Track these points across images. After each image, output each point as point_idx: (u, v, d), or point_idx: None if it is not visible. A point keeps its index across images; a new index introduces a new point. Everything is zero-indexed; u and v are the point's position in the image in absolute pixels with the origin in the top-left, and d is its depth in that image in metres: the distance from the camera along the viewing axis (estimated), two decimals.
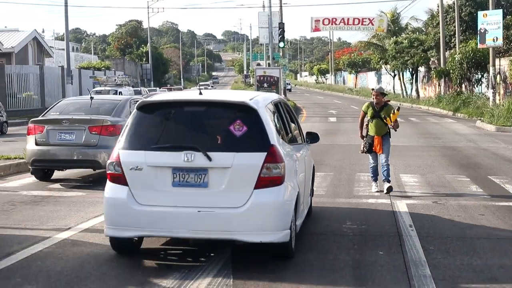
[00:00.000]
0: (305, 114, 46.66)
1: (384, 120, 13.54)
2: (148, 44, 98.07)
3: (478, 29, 40.64)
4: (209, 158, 7.67)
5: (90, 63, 78.25)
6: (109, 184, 8.17)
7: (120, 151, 8.09)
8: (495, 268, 7.81)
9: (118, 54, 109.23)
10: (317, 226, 10.30)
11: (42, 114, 15.92)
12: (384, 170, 13.41)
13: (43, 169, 15.29)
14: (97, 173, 16.08)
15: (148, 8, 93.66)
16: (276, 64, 54.24)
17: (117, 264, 8.04)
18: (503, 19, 40.76)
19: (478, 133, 29.67)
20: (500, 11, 40.69)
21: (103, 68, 74.04)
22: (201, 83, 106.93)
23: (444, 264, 7.94)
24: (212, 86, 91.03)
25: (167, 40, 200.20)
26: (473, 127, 32.93)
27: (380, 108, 13.61)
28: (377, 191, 13.42)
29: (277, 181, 7.74)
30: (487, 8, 41.81)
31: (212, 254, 8.35)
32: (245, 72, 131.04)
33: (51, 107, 16.23)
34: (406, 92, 65.60)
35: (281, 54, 58.39)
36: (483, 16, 40.28)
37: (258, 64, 71.52)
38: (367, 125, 13.78)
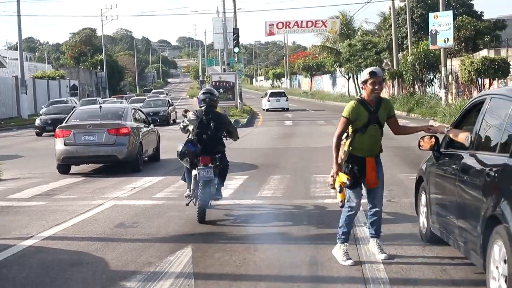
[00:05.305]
0: (261, 119, 47.01)
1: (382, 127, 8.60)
2: (103, 52, 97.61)
3: (430, 30, 41.38)
4: None
5: (44, 72, 77.65)
6: None
7: None
8: (446, 259, 8.17)
9: (72, 62, 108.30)
10: (275, 226, 10.61)
11: (65, 121, 19.56)
12: (375, 220, 8.52)
13: (67, 164, 18.66)
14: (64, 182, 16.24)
15: (101, 16, 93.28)
16: (231, 69, 54.48)
17: (81, 269, 8.21)
18: (453, 20, 41.55)
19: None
20: (450, 12, 41.46)
21: (57, 77, 73.57)
22: (154, 91, 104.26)
23: (397, 258, 8.27)
24: (167, 93, 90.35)
25: (121, 48, 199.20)
26: None
27: (377, 106, 8.49)
28: (352, 264, 8.04)
29: None
30: (438, 10, 42.52)
31: (171, 258, 8.58)
32: (200, 78, 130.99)
33: (70, 116, 19.86)
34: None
35: (236, 59, 58.64)
36: (434, 17, 41.03)
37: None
38: (351, 140, 8.35)
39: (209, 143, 11.28)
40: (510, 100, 6.75)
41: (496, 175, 6.37)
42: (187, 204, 11.51)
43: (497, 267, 6.16)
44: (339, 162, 8.22)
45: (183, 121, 11.81)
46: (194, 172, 11.23)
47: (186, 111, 12.18)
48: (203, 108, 11.51)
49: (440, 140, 8.57)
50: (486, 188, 6.52)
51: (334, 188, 10.36)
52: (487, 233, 6.38)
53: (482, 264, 6.57)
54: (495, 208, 6.16)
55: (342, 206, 8.15)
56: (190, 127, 11.43)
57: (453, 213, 7.65)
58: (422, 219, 9.27)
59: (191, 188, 11.40)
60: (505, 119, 6.65)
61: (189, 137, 11.40)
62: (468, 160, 7.34)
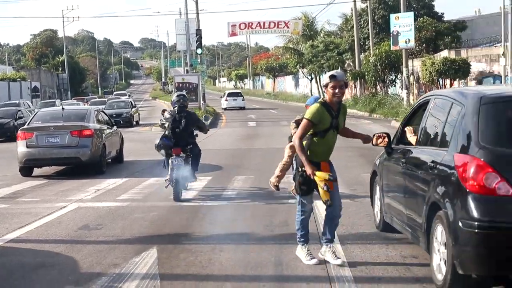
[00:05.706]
0: (224, 120, 47.03)
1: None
2: (64, 53, 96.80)
3: (391, 31, 41.80)
4: None
5: (4, 74, 76.70)
6: None
7: None
8: (409, 258, 8.29)
9: (33, 64, 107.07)
10: (240, 227, 10.65)
11: (27, 123, 19.54)
12: (333, 225, 8.44)
13: (29, 167, 18.53)
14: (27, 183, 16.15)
15: (63, 17, 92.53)
16: (194, 71, 54.44)
17: (46, 271, 8.20)
18: (414, 21, 42.01)
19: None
20: (411, 13, 41.96)
21: (18, 79, 72.80)
22: (116, 92, 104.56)
23: (361, 256, 8.39)
24: (129, 95, 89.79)
25: (83, 49, 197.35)
26: (389, 127, 33.68)
27: (338, 111, 8.32)
28: (317, 263, 8.07)
29: None
30: (399, 11, 42.98)
31: (137, 259, 8.59)
32: (163, 79, 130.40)
33: (32, 118, 19.87)
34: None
35: (199, 60, 58.54)
36: (396, 18, 41.47)
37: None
38: (308, 143, 8.09)
39: (181, 136, 13.56)
40: (449, 100, 7.45)
41: (436, 166, 7.08)
42: (166, 187, 13.42)
43: (439, 249, 6.94)
44: (284, 164, 8.57)
45: (161, 120, 13.99)
46: (170, 160, 13.33)
47: (163, 110, 14.50)
48: (176, 107, 13.77)
49: (392, 137, 9.46)
50: (428, 179, 7.24)
51: (278, 189, 11.96)
52: (430, 218, 7.11)
53: (427, 247, 7.31)
54: (436, 196, 6.91)
55: (330, 205, 7.94)
56: (166, 124, 13.65)
57: (402, 202, 8.38)
58: (376, 210, 10.09)
59: (169, 173, 13.28)
60: (446, 117, 7.37)
61: (165, 132, 13.61)
62: (414, 154, 8.12)
